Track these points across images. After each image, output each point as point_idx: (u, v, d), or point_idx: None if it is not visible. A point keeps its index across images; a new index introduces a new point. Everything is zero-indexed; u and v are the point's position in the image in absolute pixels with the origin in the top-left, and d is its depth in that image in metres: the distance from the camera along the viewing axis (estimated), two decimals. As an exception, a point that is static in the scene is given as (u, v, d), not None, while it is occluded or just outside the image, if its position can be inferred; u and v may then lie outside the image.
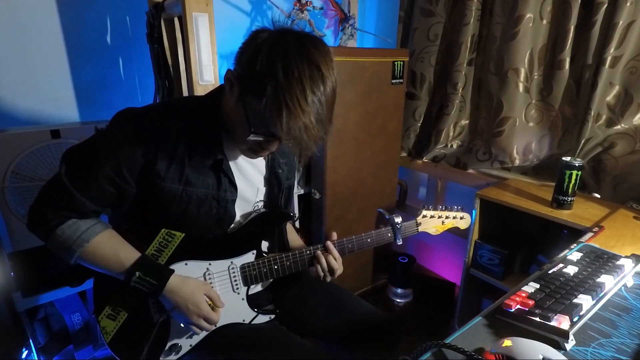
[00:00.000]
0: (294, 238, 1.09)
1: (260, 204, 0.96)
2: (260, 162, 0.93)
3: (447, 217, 1.07)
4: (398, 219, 1.00)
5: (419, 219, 1.05)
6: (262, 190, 0.95)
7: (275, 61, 0.66)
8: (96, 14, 1.51)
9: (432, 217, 1.06)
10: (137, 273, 0.77)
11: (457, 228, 1.10)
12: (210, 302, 0.83)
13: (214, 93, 0.85)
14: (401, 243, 1.01)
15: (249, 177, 0.91)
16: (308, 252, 0.93)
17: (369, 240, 0.98)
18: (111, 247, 0.80)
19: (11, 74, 1.39)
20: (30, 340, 1.42)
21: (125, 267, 0.78)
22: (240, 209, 0.92)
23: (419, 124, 2.02)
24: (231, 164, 0.86)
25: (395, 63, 1.71)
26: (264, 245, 0.96)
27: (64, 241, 0.77)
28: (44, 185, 0.80)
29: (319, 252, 0.93)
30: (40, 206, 0.79)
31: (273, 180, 0.95)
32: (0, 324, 1.31)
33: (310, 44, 0.69)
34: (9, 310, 1.33)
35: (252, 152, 0.81)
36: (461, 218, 1.09)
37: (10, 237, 1.30)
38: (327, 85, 0.70)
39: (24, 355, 1.40)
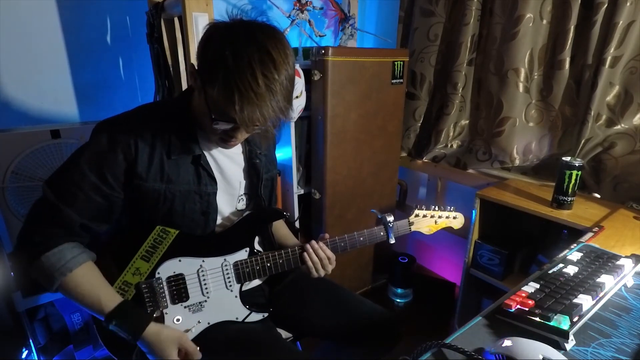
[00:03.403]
0: (286, 234, 1.11)
1: (245, 197, 0.98)
2: (238, 156, 0.95)
3: (439, 217, 1.07)
4: (390, 218, 1.01)
5: (412, 218, 1.05)
6: (244, 183, 0.97)
7: (225, 48, 0.69)
8: (96, 14, 1.51)
9: (424, 216, 1.06)
10: (113, 321, 0.78)
11: (452, 228, 1.10)
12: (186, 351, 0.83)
13: (184, 92, 0.89)
14: (394, 242, 1.02)
15: (228, 171, 0.92)
16: (300, 249, 0.94)
17: (361, 239, 0.99)
18: (93, 286, 0.79)
19: (11, 74, 1.39)
20: (30, 340, 1.42)
21: (103, 312, 0.78)
22: (225, 203, 0.93)
23: (419, 124, 2.02)
24: (209, 158, 0.88)
25: (395, 63, 1.71)
26: (257, 243, 0.97)
27: (46, 268, 0.76)
28: (29, 211, 0.79)
29: (308, 246, 0.94)
30: (27, 230, 0.78)
31: (252, 171, 0.97)
32: (0, 324, 1.31)
33: (258, 30, 0.72)
34: (9, 310, 1.33)
35: (223, 141, 0.82)
36: (454, 218, 1.09)
37: (11, 237, 1.30)
38: (279, 67, 0.71)
39: (24, 355, 1.40)
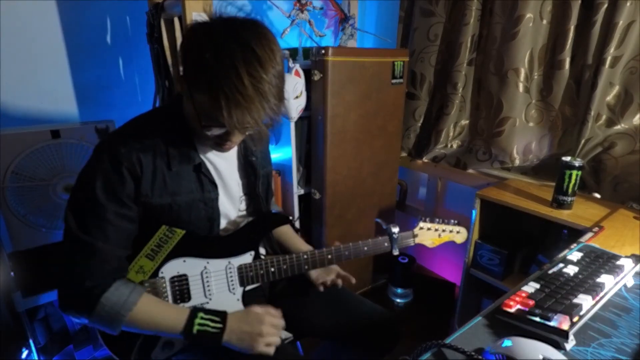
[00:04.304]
0: (286, 231, 1.10)
1: (245, 198, 0.97)
2: (234, 156, 0.94)
3: (443, 231, 1.08)
4: (395, 229, 1.01)
5: (416, 230, 1.06)
6: (241, 182, 0.96)
7: (205, 50, 0.66)
8: (96, 14, 1.51)
9: (429, 229, 1.06)
10: (199, 314, 0.77)
11: (455, 242, 1.11)
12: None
13: (176, 98, 0.86)
14: (397, 253, 1.02)
15: (226, 173, 0.92)
16: (305, 256, 0.94)
17: (365, 248, 1.00)
18: (160, 305, 0.80)
19: (11, 74, 1.39)
20: (30, 340, 1.42)
21: (184, 316, 0.78)
22: (227, 206, 0.93)
23: (419, 124, 2.02)
24: (207, 164, 0.87)
25: (395, 63, 1.71)
26: (262, 247, 0.97)
27: (110, 308, 0.74)
28: (63, 255, 0.76)
29: (338, 280, 1.00)
30: (73, 279, 0.74)
31: (248, 169, 0.96)
32: (0, 324, 1.31)
33: (240, 27, 0.68)
34: (9, 310, 1.33)
35: (218, 145, 0.81)
36: (457, 232, 1.10)
37: (10, 237, 1.30)
38: (265, 64, 0.67)
39: (24, 355, 1.40)
